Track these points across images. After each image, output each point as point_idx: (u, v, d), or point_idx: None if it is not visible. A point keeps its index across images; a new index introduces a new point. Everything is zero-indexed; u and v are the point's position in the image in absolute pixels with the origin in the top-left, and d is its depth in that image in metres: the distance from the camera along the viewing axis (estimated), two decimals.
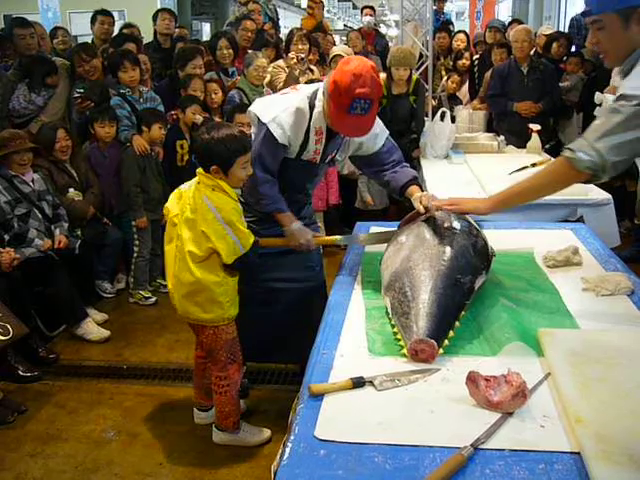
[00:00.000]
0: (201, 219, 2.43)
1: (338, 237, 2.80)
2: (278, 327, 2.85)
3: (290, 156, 2.61)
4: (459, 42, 6.96)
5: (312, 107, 2.55)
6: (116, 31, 5.85)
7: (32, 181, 3.89)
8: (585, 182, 1.96)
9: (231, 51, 5.33)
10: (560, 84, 5.78)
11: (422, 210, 2.41)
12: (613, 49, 1.90)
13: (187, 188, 2.56)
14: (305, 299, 2.78)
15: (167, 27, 5.82)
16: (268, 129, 2.50)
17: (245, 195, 2.69)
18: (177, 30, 6.25)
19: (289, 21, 16.72)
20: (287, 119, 2.51)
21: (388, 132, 2.76)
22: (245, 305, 2.67)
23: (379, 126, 2.68)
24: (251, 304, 2.72)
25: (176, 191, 2.62)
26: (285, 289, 2.81)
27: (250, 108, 2.68)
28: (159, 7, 6.27)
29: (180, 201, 2.56)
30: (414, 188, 2.67)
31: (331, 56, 5.27)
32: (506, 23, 8.13)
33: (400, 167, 2.76)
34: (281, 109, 2.53)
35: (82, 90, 4.62)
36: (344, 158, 2.82)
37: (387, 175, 2.75)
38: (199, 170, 2.51)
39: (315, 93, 2.58)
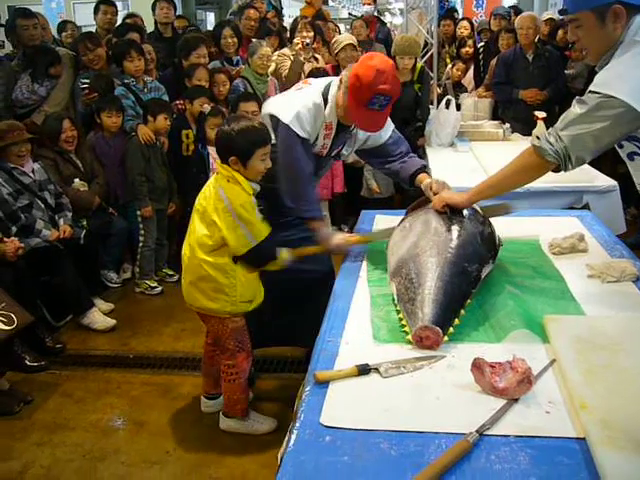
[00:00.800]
0: (212, 209, 2.43)
1: (370, 235, 2.70)
2: (286, 314, 2.86)
3: None
4: (462, 29, 6.94)
5: (325, 102, 2.56)
6: (119, 21, 5.83)
7: (32, 171, 3.89)
8: (554, 171, 1.97)
9: (235, 40, 5.31)
10: (565, 71, 5.73)
11: (432, 196, 2.43)
12: (592, 46, 1.94)
13: (210, 181, 2.57)
14: (313, 286, 2.77)
15: (166, 16, 5.80)
16: (292, 129, 2.49)
17: (285, 200, 2.61)
18: (176, 21, 6.23)
19: (293, 10, 16.63)
20: (307, 115, 2.51)
21: (393, 125, 2.79)
22: None
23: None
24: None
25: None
26: (293, 278, 2.80)
27: (265, 110, 2.66)
28: None
29: (202, 191, 2.56)
30: (423, 176, 2.69)
31: (340, 46, 5.23)
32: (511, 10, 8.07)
33: (409, 157, 2.78)
34: (300, 106, 2.52)
35: (87, 81, 4.62)
36: (350, 152, 2.82)
37: (396, 165, 2.77)
38: (218, 161, 2.51)
39: (328, 88, 2.58)
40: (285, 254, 2.52)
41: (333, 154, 2.74)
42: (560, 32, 6.09)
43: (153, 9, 5.84)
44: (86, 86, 4.60)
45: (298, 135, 2.50)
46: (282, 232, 2.66)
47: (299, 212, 2.62)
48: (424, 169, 2.75)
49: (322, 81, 2.67)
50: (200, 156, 4.42)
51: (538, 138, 1.93)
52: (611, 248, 2.49)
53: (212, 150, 4.39)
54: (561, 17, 6.40)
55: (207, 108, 4.45)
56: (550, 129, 1.93)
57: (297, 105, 2.53)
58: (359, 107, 2.41)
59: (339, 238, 2.60)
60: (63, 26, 6.22)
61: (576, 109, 1.85)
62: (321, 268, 2.83)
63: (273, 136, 2.58)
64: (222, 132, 2.47)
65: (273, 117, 2.57)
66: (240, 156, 2.42)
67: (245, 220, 2.41)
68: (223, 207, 2.41)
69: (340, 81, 2.52)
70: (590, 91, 1.82)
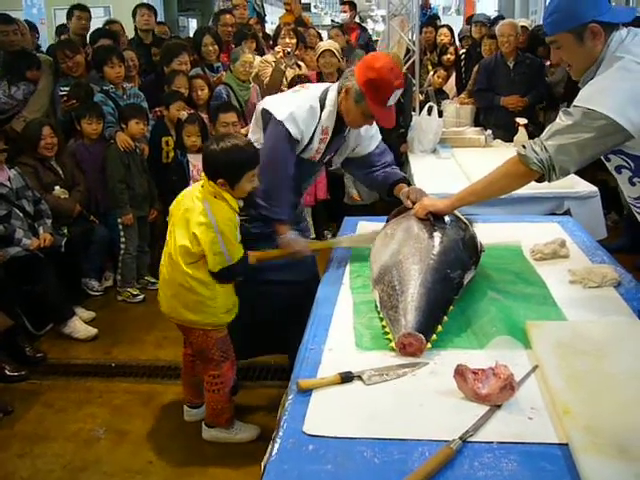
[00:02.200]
0: (195, 223, 2.40)
1: (331, 241, 2.76)
2: (269, 323, 2.84)
3: None
4: (442, 37, 6.97)
5: (322, 107, 2.56)
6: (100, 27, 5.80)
7: (9, 180, 3.81)
8: (537, 181, 1.99)
9: (216, 47, 5.31)
10: (547, 79, 5.78)
11: (410, 205, 2.46)
12: (574, 64, 2.00)
13: (190, 189, 2.55)
14: (298, 295, 2.76)
15: (146, 22, 5.75)
16: (284, 126, 2.48)
17: (258, 196, 2.60)
18: (156, 27, 6.20)
19: (276, 17, 16.66)
20: (302, 115, 2.51)
21: (380, 136, 2.82)
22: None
23: (374, 128, 2.74)
24: (241, 302, 2.71)
25: (180, 194, 2.60)
26: (276, 284, 2.79)
27: (261, 105, 2.65)
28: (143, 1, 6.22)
29: (181, 200, 2.54)
30: (402, 185, 2.73)
31: (319, 51, 5.26)
32: (491, 18, 8.13)
33: (391, 168, 2.81)
34: (296, 106, 2.53)
35: (66, 88, 4.57)
36: (341, 159, 2.82)
37: (378, 175, 2.80)
38: (204, 176, 2.47)
39: (326, 93, 2.58)
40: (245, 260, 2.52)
41: (325, 160, 2.74)
42: (540, 49, 6.13)
43: (134, 15, 5.81)
44: (65, 93, 4.55)
45: (289, 134, 2.49)
46: (268, 239, 2.65)
47: (269, 212, 2.59)
48: (404, 180, 2.78)
49: (320, 86, 2.68)
50: (179, 163, 4.39)
51: (524, 147, 1.95)
52: (592, 254, 2.51)
53: (191, 157, 4.38)
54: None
55: (184, 114, 4.43)
56: (536, 139, 1.95)
57: (293, 104, 2.54)
58: (381, 109, 2.44)
59: (301, 243, 2.61)
60: (61, 30, 6.17)
61: (562, 120, 1.88)
62: (305, 277, 2.82)
63: (259, 135, 2.59)
64: (210, 152, 2.43)
65: (267, 113, 2.56)
66: (229, 179, 2.40)
67: (226, 239, 2.40)
68: (207, 222, 2.38)
69: (345, 91, 2.50)
70: (574, 105, 1.85)
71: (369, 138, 2.76)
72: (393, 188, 2.75)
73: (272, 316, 2.81)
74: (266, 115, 2.57)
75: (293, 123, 2.49)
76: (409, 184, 2.77)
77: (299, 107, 2.52)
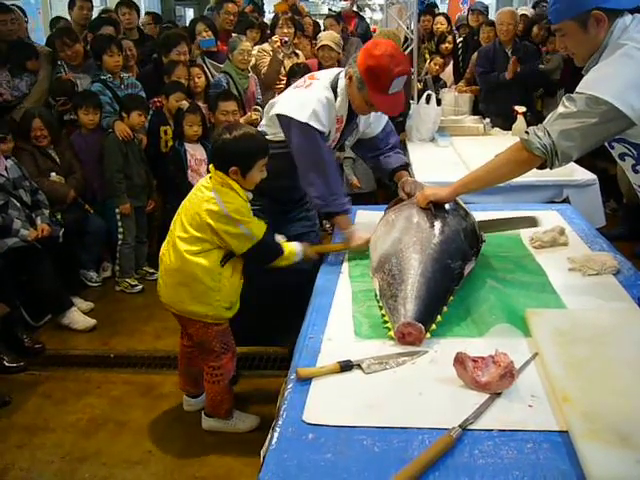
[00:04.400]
0: (205, 213, 2.38)
1: None
2: (269, 311, 2.83)
3: None
4: (439, 25, 6.95)
5: (335, 96, 2.53)
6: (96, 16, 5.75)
7: (5, 170, 3.79)
8: (539, 168, 1.98)
9: (210, 34, 5.28)
10: (543, 66, 5.77)
11: (405, 197, 2.47)
12: (578, 51, 2.00)
13: (199, 182, 2.53)
14: (301, 285, 2.74)
15: (128, 21, 5.63)
16: (312, 127, 2.44)
17: (315, 197, 2.56)
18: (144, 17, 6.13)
19: (272, 6, 16.58)
20: (323, 112, 2.47)
21: (387, 117, 2.80)
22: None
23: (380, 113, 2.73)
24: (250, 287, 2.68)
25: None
26: (280, 279, 2.78)
27: (274, 111, 2.57)
28: None
29: (192, 192, 2.52)
30: (402, 173, 2.74)
31: (319, 44, 5.24)
32: (488, 6, 8.12)
33: (394, 152, 2.80)
34: (315, 102, 2.47)
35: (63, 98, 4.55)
36: (351, 142, 2.80)
37: (380, 158, 2.80)
38: (212, 167, 2.45)
39: (336, 81, 2.55)
40: (296, 249, 2.51)
41: (338, 146, 2.73)
42: (535, 28, 6.14)
43: (116, 12, 5.74)
44: (61, 99, 4.53)
45: (318, 130, 2.46)
46: (281, 229, 2.66)
47: (332, 207, 2.54)
48: (405, 167, 2.78)
49: (329, 74, 2.63)
50: (177, 153, 4.37)
51: (527, 132, 1.94)
52: (591, 241, 2.51)
53: (189, 147, 4.36)
54: (536, 13, 6.48)
55: (185, 105, 4.41)
56: (539, 125, 1.94)
57: (312, 102, 2.48)
58: (381, 95, 2.40)
59: (366, 235, 2.47)
60: (57, 22, 6.12)
61: (565, 106, 1.87)
62: (307, 267, 2.80)
63: (284, 135, 2.54)
64: (222, 141, 2.40)
65: (284, 117, 2.50)
66: (241, 167, 2.38)
67: (242, 220, 2.38)
68: (218, 210, 2.36)
69: (349, 78, 2.48)
70: (577, 92, 1.85)
71: (378, 119, 2.75)
72: (394, 174, 2.76)
73: (279, 301, 2.78)
74: (284, 119, 2.51)
75: (317, 120, 2.45)
76: (409, 171, 2.77)
77: (318, 102, 2.47)
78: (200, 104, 4.61)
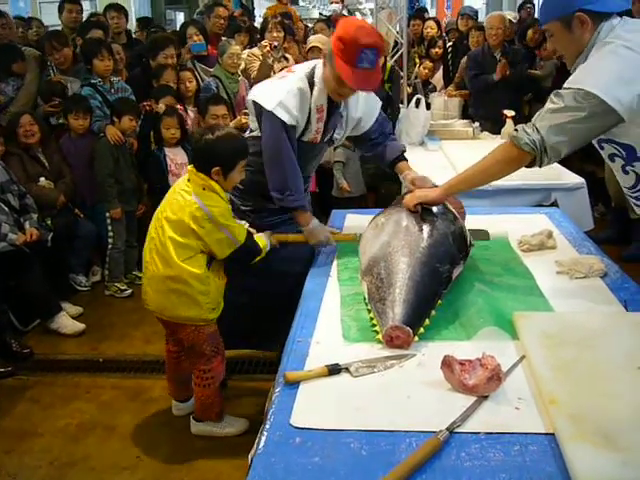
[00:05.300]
0: (189, 217, 2.37)
1: (355, 233, 2.62)
2: (258, 314, 2.83)
3: None
4: (429, 29, 6.98)
5: (312, 85, 2.53)
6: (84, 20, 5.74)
7: None
8: (528, 166, 1.97)
9: (201, 38, 5.28)
10: (534, 71, 5.81)
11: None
12: (566, 52, 2.03)
13: (177, 185, 2.52)
14: (293, 289, 2.74)
15: (117, 25, 5.63)
16: (275, 115, 2.46)
17: (271, 189, 2.59)
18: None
19: (264, 9, 16.59)
20: (291, 101, 2.48)
21: (380, 104, 2.81)
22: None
23: (374, 98, 2.75)
24: (232, 292, 2.68)
25: (169, 191, 2.57)
26: (267, 277, 2.77)
27: (249, 97, 2.63)
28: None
29: (169, 197, 2.51)
30: (404, 164, 2.77)
31: (308, 46, 5.24)
32: (478, 10, 8.16)
33: (390, 140, 2.82)
34: (284, 92, 2.49)
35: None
36: (342, 136, 2.78)
37: (379, 149, 2.81)
38: (190, 168, 2.45)
39: (313, 71, 2.55)
40: (264, 240, 2.52)
41: (326, 139, 2.70)
42: (530, 32, 6.18)
43: (105, 16, 5.73)
44: (54, 103, 4.51)
45: (283, 122, 2.47)
46: (269, 217, 2.69)
47: (286, 202, 2.57)
48: (403, 155, 2.81)
49: (306, 65, 2.64)
50: (156, 158, 4.36)
51: (516, 130, 1.95)
52: (579, 245, 2.52)
53: (169, 151, 4.35)
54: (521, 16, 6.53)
55: (162, 108, 4.40)
56: (528, 123, 1.95)
57: (280, 92, 2.50)
58: (349, 68, 2.36)
59: (325, 233, 2.57)
60: (29, 23, 6.10)
61: (552, 102, 1.88)
62: (297, 270, 2.80)
63: (257, 124, 2.57)
64: (205, 141, 2.41)
65: (256, 104, 2.54)
66: (224, 167, 2.39)
67: (226, 225, 2.39)
68: (202, 215, 2.36)
69: (323, 63, 2.50)
70: (564, 88, 1.86)
71: (372, 108, 2.75)
72: (395, 164, 2.78)
73: (269, 305, 2.78)
74: (257, 106, 2.55)
75: (284, 110, 2.46)
76: (407, 159, 2.80)
77: (288, 92, 2.49)
78: (190, 108, 4.61)
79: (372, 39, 2.35)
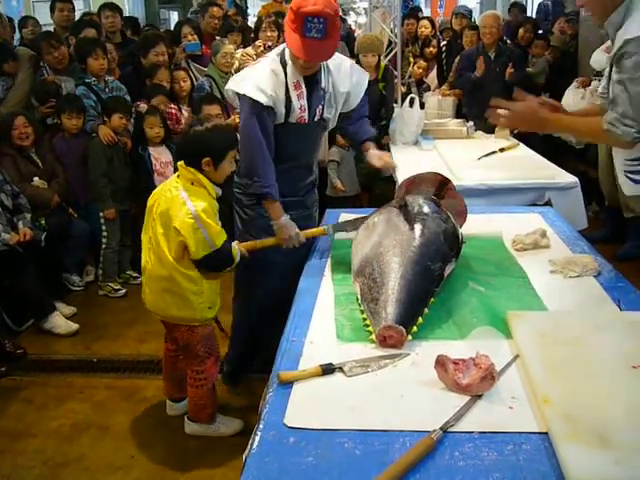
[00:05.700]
0: (174, 213, 2.38)
1: (325, 227, 2.67)
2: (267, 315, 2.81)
3: (279, 121, 2.57)
4: (423, 28, 6.98)
5: (284, 65, 2.54)
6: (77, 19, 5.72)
7: None
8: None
9: (196, 37, 5.28)
10: (528, 69, 5.82)
11: (379, 164, 2.72)
12: (599, 6, 2.02)
13: (167, 182, 2.53)
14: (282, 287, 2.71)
15: (111, 24, 5.58)
16: (250, 98, 2.47)
17: (241, 175, 2.66)
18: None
19: (257, 9, 16.57)
20: (265, 81, 2.49)
21: (366, 84, 2.82)
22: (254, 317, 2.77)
23: (363, 75, 2.79)
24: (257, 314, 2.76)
25: (157, 188, 2.58)
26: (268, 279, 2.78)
27: (226, 88, 2.66)
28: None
29: (159, 193, 2.51)
30: (368, 144, 2.83)
31: None
32: (472, 10, 8.18)
33: (362, 120, 2.86)
34: (256, 75, 2.52)
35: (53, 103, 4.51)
36: (334, 115, 2.76)
37: (353, 127, 2.86)
38: (180, 163, 2.46)
39: (283, 51, 2.56)
40: (237, 251, 2.50)
41: (315, 118, 2.67)
42: (521, 31, 6.20)
43: (99, 16, 5.71)
44: (51, 104, 4.50)
45: (260, 104, 2.47)
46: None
47: (254, 188, 2.58)
48: (372, 138, 2.86)
49: (278, 48, 2.65)
50: (140, 157, 4.34)
51: (613, 125, 1.97)
52: (573, 244, 2.52)
53: (153, 150, 4.34)
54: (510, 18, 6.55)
55: (144, 107, 4.39)
56: (612, 118, 1.96)
57: (253, 76, 2.54)
58: (298, 38, 2.37)
59: (294, 229, 2.58)
60: (24, 22, 6.08)
61: (617, 72, 1.90)
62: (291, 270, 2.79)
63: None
64: (194, 132, 2.42)
65: (233, 93, 2.58)
66: (214, 157, 2.39)
67: (206, 223, 2.37)
68: (186, 210, 2.36)
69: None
70: (630, 40, 1.86)
71: (359, 85, 2.75)
72: (363, 143, 2.84)
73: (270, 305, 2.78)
74: (234, 95, 2.59)
75: (259, 91, 2.47)
76: (377, 142, 2.89)
77: (260, 74, 2.51)
78: (185, 108, 4.59)
79: (318, 7, 2.31)
